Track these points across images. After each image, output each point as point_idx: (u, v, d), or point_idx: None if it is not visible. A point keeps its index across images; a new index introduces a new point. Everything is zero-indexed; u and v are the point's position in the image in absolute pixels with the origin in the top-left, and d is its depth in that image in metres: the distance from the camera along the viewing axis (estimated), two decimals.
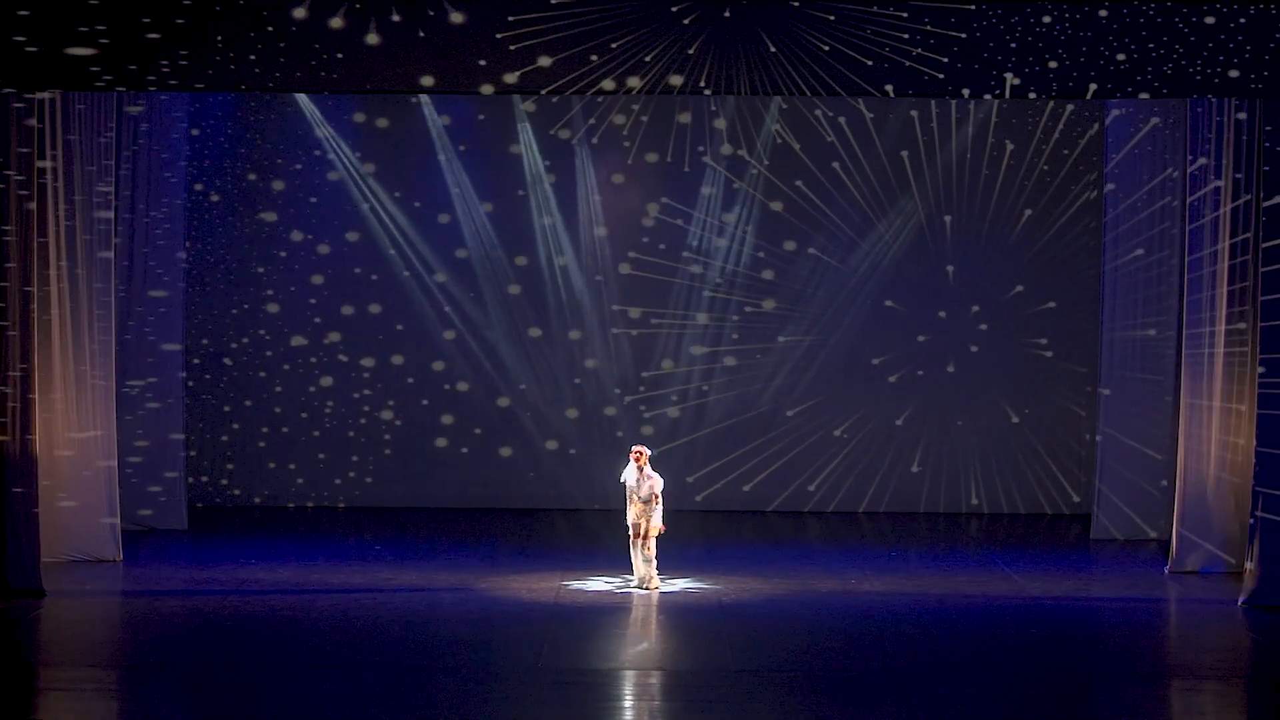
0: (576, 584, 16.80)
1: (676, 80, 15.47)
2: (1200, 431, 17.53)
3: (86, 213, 17.44)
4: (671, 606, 15.95)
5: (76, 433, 17.55)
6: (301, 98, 20.92)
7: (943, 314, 21.65)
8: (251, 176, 21.24)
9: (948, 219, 21.52)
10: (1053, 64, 15.41)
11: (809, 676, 13.43)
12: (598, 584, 16.77)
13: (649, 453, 16.47)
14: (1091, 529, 20.10)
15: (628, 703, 12.91)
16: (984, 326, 21.63)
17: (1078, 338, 21.52)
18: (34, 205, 16.02)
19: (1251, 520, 16.18)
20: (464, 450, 21.66)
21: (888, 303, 21.59)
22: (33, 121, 15.90)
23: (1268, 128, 15.91)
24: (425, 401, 21.67)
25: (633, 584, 16.50)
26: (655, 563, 16.44)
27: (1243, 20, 15.36)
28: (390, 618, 15.27)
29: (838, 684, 13.20)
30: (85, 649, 14.37)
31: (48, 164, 16.57)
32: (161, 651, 14.27)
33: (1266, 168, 15.98)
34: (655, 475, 16.32)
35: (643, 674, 13.70)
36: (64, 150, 17.01)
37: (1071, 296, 21.55)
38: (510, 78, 15.44)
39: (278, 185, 21.35)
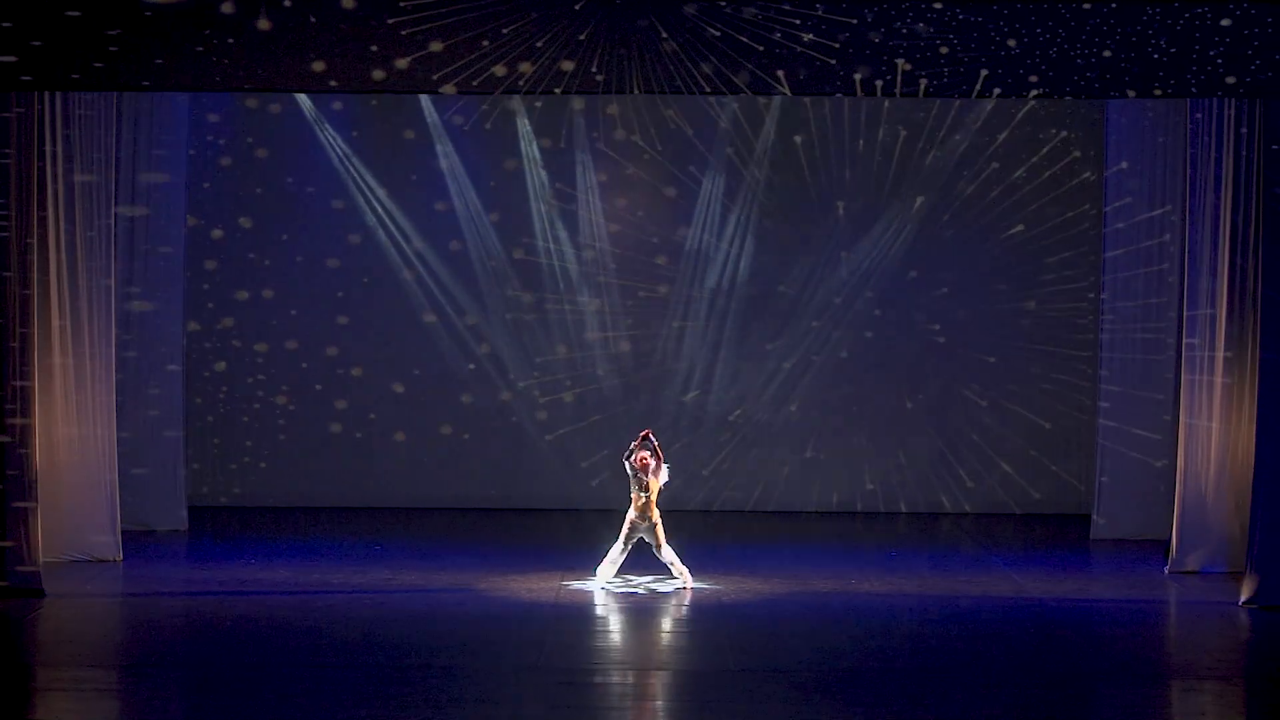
0: (576, 584, 16.79)
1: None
2: (1200, 431, 17.52)
3: (86, 214, 17.43)
4: (671, 606, 15.95)
5: (76, 432, 17.55)
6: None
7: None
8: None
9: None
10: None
11: (809, 676, 13.43)
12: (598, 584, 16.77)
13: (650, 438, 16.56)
14: (1091, 529, 20.10)
15: (628, 703, 12.90)
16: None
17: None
18: (34, 205, 16.02)
19: (1251, 520, 16.17)
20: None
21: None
22: (30, 119, 15.90)
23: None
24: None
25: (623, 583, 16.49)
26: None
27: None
28: (390, 618, 15.26)
29: (838, 684, 13.19)
30: (85, 649, 14.36)
31: (47, 164, 16.59)
32: (161, 651, 14.27)
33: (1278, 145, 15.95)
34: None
35: (643, 674, 13.70)
36: (64, 150, 17.01)
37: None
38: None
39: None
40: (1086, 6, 15.32)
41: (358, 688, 12.83)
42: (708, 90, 15.62)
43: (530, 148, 21.49)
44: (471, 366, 21.69)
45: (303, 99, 21.20)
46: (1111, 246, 19.98)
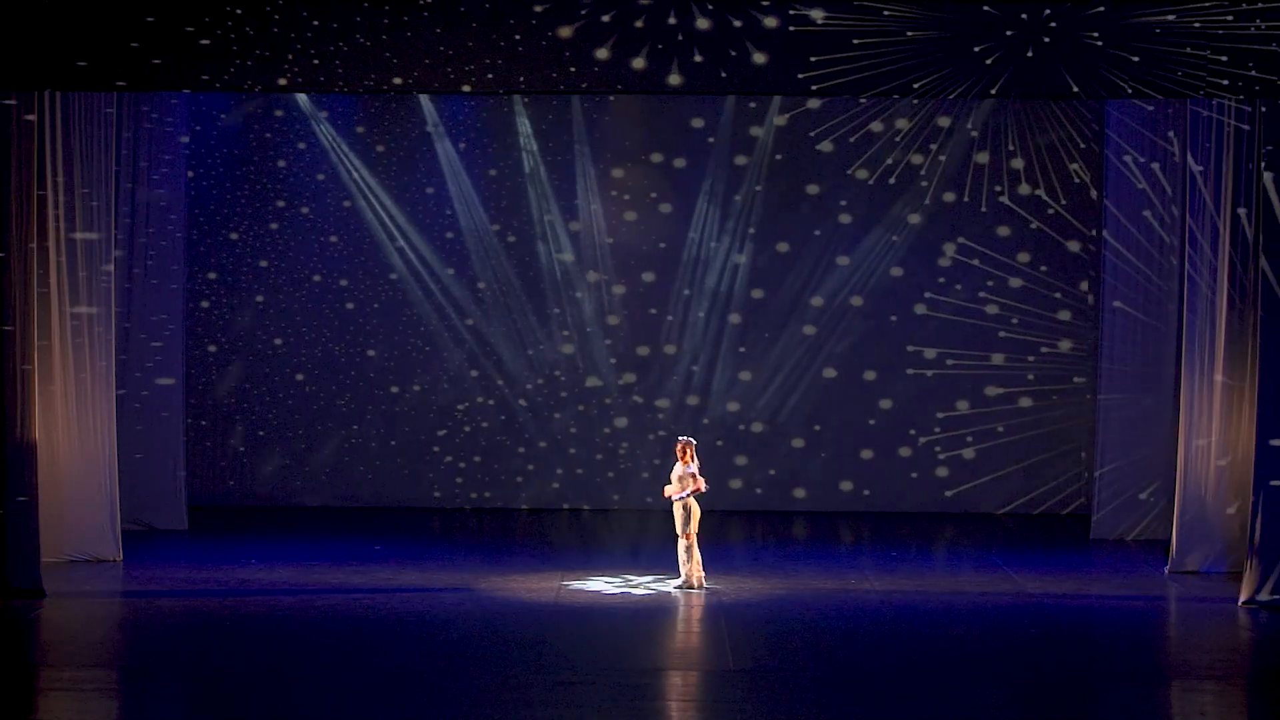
0: (576, 584, 16.80)
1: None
2: (1200, 432, 17.52)
3: (86, 212, 17.43)
4: (671, 606, 15.96)
5: (76, 432, 17.55)
6: None
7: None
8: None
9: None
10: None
11: (809, 676, 13.43)
12: (598, 584, 16.77)
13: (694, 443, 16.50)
14: (1091, 529, 20.10)
15: (628, 703, 12.90)
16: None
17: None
18: (34, 206, 16.02)
19: (1251, 520, 16.17)
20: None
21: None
22: (32, 117, 15.89)
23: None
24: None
25: (679, 585, 16.45)
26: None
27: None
28: (390, 618, 15.27)
29: (838, 684, 13.20)
30: (85, 649, 14.36)
31: (48, 165, 16.59)
32: (161, 651, 14.28)
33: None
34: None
35: (642, 674, 13.70)
36: (64, 151, 17.02)
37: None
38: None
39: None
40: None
41: (357, 688, 12.83)
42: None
43: (530, 145, 21.49)
44: (471, 368, 21.67)
45: (301, 99, 21.20)
46: (1112, 246, 19.96)
